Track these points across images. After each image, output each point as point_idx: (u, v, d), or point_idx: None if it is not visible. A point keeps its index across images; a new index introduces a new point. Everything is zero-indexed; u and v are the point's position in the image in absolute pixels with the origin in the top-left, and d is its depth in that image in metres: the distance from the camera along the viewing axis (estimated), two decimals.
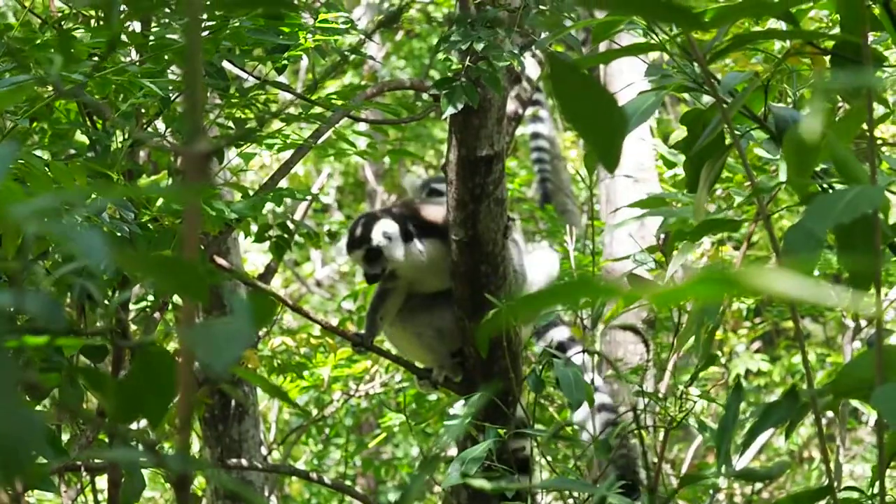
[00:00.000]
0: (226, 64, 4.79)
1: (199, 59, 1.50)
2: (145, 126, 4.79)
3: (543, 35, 4.69)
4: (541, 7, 4.60)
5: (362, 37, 5.09)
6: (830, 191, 3.19)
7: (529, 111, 10.54)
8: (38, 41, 4.07)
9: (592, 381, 5.22)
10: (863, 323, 6.73)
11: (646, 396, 4.44)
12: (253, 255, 11.11)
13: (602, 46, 5.82)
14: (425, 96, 5.44)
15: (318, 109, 5.03)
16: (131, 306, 5.04)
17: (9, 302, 1.48)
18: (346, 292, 10.36)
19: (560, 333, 5.73)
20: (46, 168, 3.56)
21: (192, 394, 1.56)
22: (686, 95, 3.64)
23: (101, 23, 4.42)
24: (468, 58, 4.75)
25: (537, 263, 5.69)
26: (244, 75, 5.15)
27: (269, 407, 9.40)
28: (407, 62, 12.97)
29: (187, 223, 1.51)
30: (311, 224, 9.28)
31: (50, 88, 3.98)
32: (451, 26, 4.69)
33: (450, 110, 4.77)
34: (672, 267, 3.90)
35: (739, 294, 6.39)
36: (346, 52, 4.85)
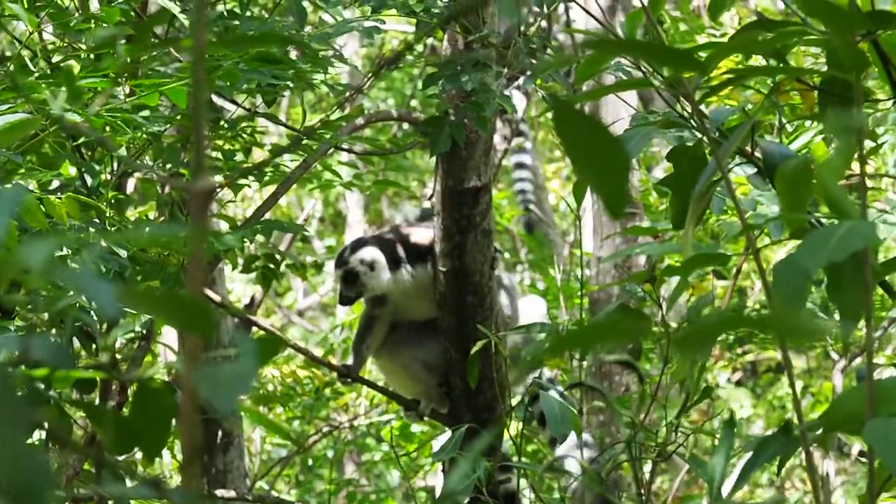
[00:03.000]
0: (214, 96, 4.80)
1: (204, 98, 1.52)
2: (134, 158, 4.80)
3: (530, 71, 4.71)
4: (530, 46, 4.62)
5: (351, 69, 5.12)
6: (820, 225, 3.21)
7: (514, 142, 10.59)
8: (36, 75, 4.08)
9: (581, 410, 5.24)
10: (855, 352, 6.75)
11: (638, 428, 4.45)
12: (237, 287, 11.11)
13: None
14: (406, 126, 5.47)
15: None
16: (121, 337, 5.05)
17: (16, 346, 1.49)
18: (328, 323, 10.36)
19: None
20: (39, 201, 3.57)
21: (196, 431, 1.57)
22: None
23: (92, 56, 4.43)
24: (456, 96, 4.78)
25: (528, 309, 5.69)
26: (228, 106, 5.17)
27: (251, 438, 9.39)
28: (388, 92, 13.00)
29: (193, 261, 1.52)
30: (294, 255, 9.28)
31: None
32: (442, 66, 4.71)
33: (440, 148, 4.79)
34: (668, 307, 3.92)
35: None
36: (355, 87, 4.88)
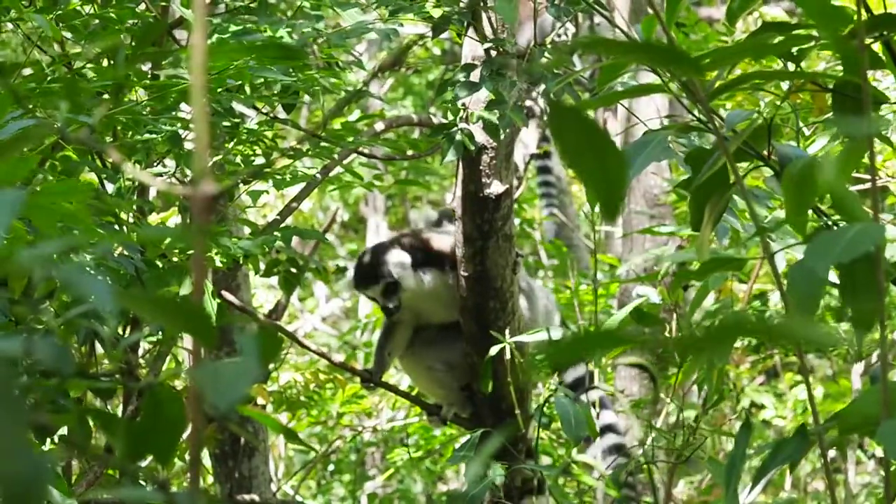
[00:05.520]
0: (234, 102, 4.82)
1: (205, 102, 1.53)
2: (155, 163, 4.82)
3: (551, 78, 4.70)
4: (546, 55, 4.62)
5: (366, 74, 5.14)
6: (834, 227, 3.20)
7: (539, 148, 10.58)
8: (47, 79, 4.10)
9: (598, 414, 5.24)
10: (874, 358, 6.73)
11: (654, 431, 4.46)
12: (259, 292, 11.11)
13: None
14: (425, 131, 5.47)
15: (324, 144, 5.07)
16: (144, 342, 5.07)
17: (19, 347, 1.50)
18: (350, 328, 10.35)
19: (577, 371, 5.67)
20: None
21: (202, 432, 1.58)
22: None
23: (112, 61, 4.45)
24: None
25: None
26: (250, 113, 5.18)
27: (275, 444, 9.41)
28: (405, 95, 13.01)
29: (195, 265, 1.53)
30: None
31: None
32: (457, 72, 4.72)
33: (449, 157, 4.80)
34: (692, 311, 3.92)
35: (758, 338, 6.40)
36: (355, 90, 4.88)
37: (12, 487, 1.31)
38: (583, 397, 5.27)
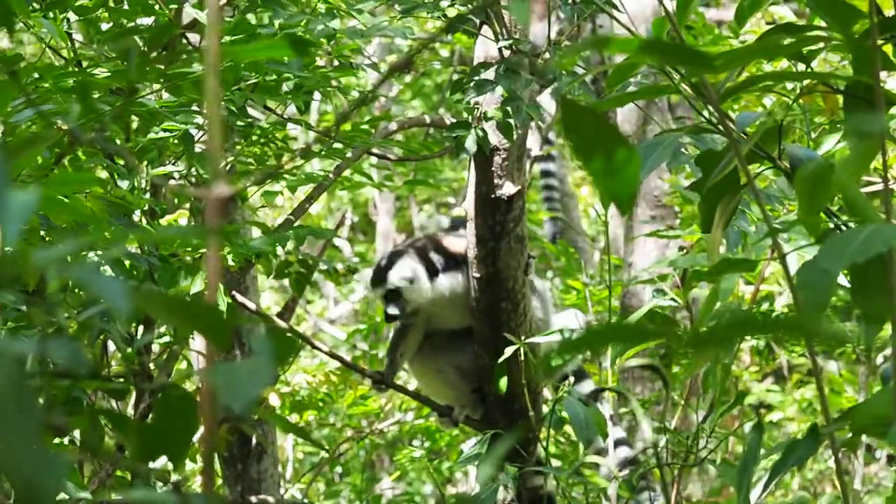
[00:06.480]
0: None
1: (219, 103, 1.53)
2: (168, 164, 4.82)
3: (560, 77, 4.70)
4: (557, 53, 4.62)
5: (378, 76, 5.14)
6: (845, 228, 3.20)
7: (543, 149, 10.56)
8: (58, 76, 4.10)
9: (611, 416, 5.23)
10: (879, 360, 6.72)
11: (664, 433, 4.45)
12: (267, 295, 11.11)
13: None
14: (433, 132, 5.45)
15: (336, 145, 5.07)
16: (155, 342, 5.08)
17: (34, 348, 1.50)
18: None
19: (586, 387, 5.67)
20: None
21: (215, 434, 1.58)
22: None
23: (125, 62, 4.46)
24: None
25: (563, 321, 5.65)
26: (259, 115, 5.19)
27: (282, 447, 9.41)
28: (413, 97, 13.02)
29: (209, 265, 1.54)
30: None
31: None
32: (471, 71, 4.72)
33: (468, 146, 4.79)
34: (705, 314, 3.91)
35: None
36: (367, 91, 4.89)
37: (26, 488, 1.31)
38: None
